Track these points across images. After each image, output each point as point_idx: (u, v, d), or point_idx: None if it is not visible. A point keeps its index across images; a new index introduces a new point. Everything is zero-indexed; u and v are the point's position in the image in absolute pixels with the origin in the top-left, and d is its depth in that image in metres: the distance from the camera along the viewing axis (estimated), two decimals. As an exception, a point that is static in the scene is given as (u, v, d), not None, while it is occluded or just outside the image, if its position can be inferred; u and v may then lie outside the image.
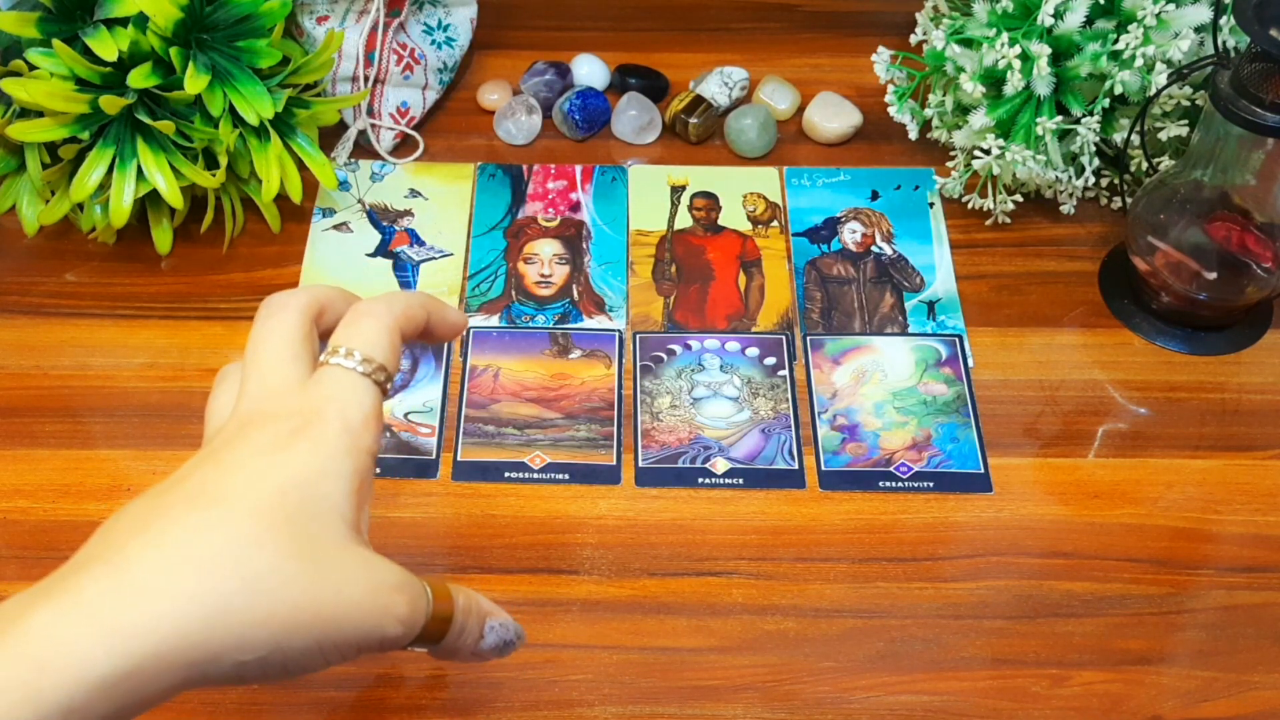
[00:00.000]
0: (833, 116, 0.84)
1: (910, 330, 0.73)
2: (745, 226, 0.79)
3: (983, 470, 0.66)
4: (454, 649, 0.45)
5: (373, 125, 0.81)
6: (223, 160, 0.70)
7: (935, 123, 0.79)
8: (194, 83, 0.67)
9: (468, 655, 0.46)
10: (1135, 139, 0.74)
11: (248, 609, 0.36)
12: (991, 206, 0.78)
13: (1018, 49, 0.69)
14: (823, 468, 0.67)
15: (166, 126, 0.67)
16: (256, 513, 0.38)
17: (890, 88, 0.78)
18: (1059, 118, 0.71)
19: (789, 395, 0.70)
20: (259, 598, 0.36)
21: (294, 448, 0.39)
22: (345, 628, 0.38)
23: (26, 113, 0.67)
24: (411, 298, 0.45)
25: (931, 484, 0.66)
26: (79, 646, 0.34)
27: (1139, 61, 0.69)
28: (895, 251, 0.77)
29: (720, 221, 0.79)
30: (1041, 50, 0.69)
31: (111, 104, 0.66)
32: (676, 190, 0.81)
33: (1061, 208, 0.78)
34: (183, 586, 0.36)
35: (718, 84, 0.85)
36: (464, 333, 0.48)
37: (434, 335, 0.47)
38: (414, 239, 0.78)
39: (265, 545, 0.37)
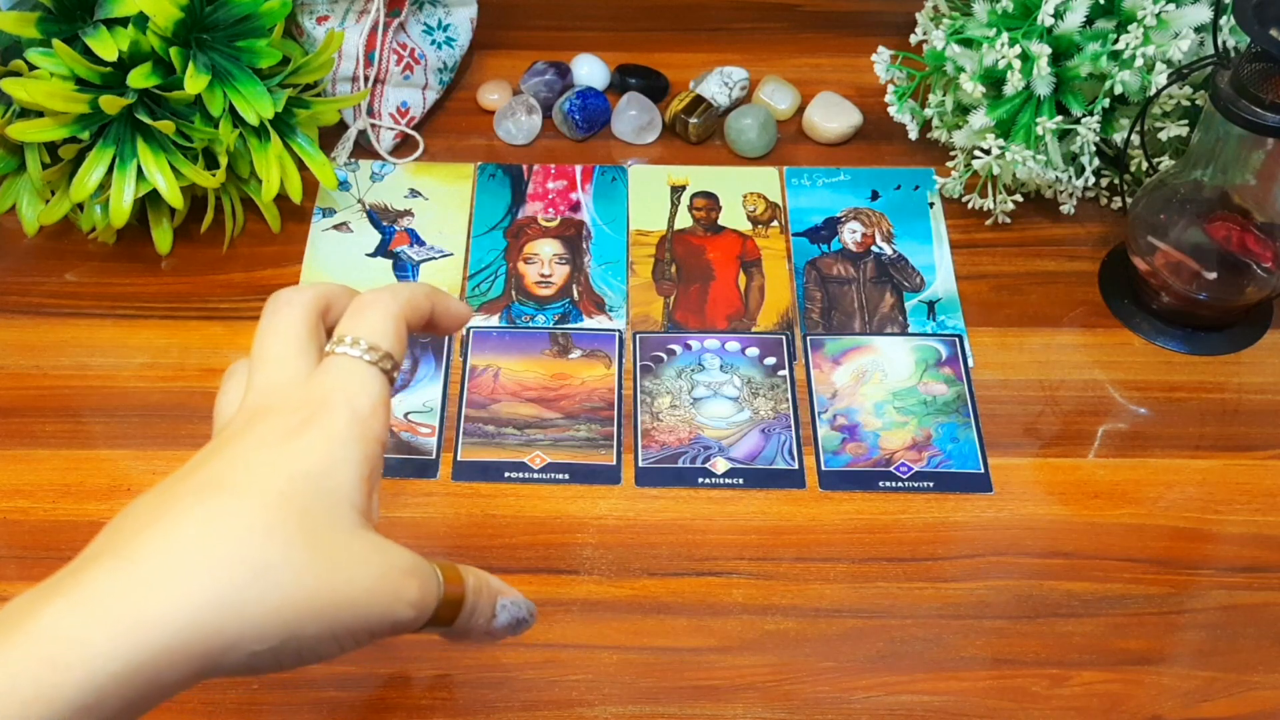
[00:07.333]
0: (833, 116, 0.84)
1: (910, 330, 0.73)
2: (745, 226, 0.79)
3: (983, 470, 0.66)
4: (466, 630, 0.45)
5: (373, 125, 0.81)
6: (223, 160, 0.70)
7: (935, 123, 0.79)
8: (194, 83, 0.67)
9: (481, 635, 0.46)
10: (1135, 139, 0.74)
11: (260, 599, 0.36)
12: (991, 206, 0.78)
13: (1018, 49, 0.69)
14: (823, 468, 0.67)
15: (166, 126, 0.67)
16: (266, 503, 0.38)
17: (890, 88, 0.78)
18: (1059, 118, 0.71)
19: (789, 395, 0.70)
20: (271, 587, 0.36)
21: (303, 437, 0.39)
22: (358, 613, 0.39)
23: (26, 113, 0.67)
24: (416, 288, 0.45)
25: (931, 484, 0.66)
26: (93, 643, 0.34)
27: (1139, 61, 0.69)
28: (895, 251, 0.77)
29: (720, 221, 0.79)
30: (1041, 50, 0.69)
31: (111, 104, 0.66)
32: (676, 190, 0.81)
33: (1061, 208, 0.78)
34: (194, 579, 0.36)
35: (718, 84, 0.85)
36: (469, 323, 0.48)
37: (438, 326, 0.47)
38: (414, 239, 0.78)
39: (276, 535, 0.37)
